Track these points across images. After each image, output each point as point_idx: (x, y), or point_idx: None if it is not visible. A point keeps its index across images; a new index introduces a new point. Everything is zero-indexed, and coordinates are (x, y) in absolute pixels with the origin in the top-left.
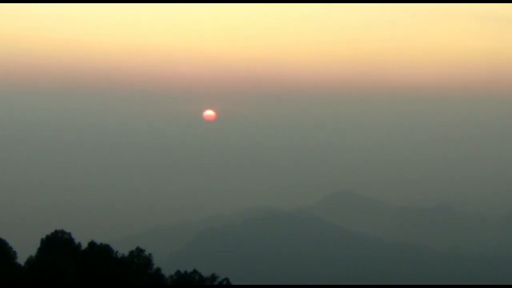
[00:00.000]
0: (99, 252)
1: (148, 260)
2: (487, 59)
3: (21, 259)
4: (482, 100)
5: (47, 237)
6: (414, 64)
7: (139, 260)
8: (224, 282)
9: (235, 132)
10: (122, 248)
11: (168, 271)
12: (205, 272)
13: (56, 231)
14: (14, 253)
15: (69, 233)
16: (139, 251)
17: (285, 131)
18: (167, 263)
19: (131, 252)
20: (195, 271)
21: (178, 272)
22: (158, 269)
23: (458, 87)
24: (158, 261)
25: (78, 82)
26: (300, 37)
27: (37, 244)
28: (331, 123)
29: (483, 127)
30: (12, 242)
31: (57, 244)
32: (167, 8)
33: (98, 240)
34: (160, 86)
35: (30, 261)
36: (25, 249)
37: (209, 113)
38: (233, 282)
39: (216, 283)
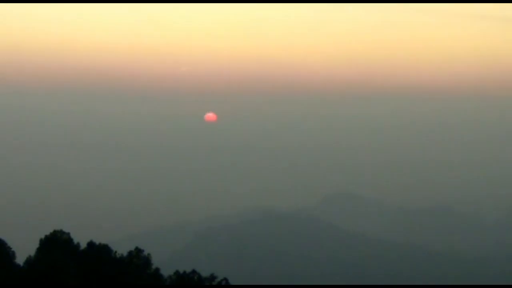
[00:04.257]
0: (98, 252)
1: (147, 260)
2: (487, 59)
3: (20, 259)
4: (482, 100)
5: (46, 237)
6: (413, 64)
7: (138, 260)
8: (223, 282)
9: (235, 133)
10: (121, 248)
11: (167, 271)
12: (204, 272)
13: (55, 231)
14: (13, 253)
15: (68, 233)
16: (138, 251)
17: (285, 132)
18: (166, 263)
19: (130, 252)
20: (194, 271)
21: (177, 272)
22: (157, 269)
23: (457, 87)
24: (157, 261)
25: (78, 83)
26: (302, 38)
27: (36, 244)
28: (331, 123)
29: (482, 127)
30: (11, 242)
31: (56, 244)
32: (170, 8)
33: (97, 240)
34: (161, 86)
35: (29, 261)
36: (24, 249)
37: (210, 114)
38: (232, 282)
39: (215, 283)
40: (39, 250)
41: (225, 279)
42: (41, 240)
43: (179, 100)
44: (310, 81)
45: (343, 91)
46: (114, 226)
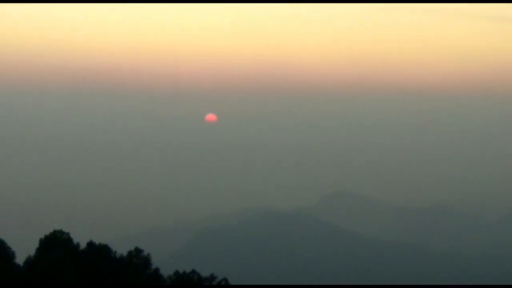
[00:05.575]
0: (98, 252)
1: (146, 260)
2: (487, 59)
3: (20, 259)
4: (482, 100)
5: (46, 237)
6: (413, 64)
7: (137, 260)
8: (223, 282)
9: (235, 133)
10: (121, 248)
11: (166, 271)
12: (204, 272)
13: (54, 231)
14: (13, 253)
15: (68, 233)
16: (138, 251)
17: (285, 132)
18: (166, 263)
19: (130, 252)
20: (193, 271)
21: (176, 272)
22: (157, 269)
23: (457, 87)
24: (156, 261)
25: (78, 82)
26: (302, 38)
27: (36, 244)
28: (330, 123)
29: (482, 126)
30: (10, 242)
31: (55, 244)
32: (170, 8)
33: (97, 240)
34: (161, 86)
35: (29, 261)
36: (24, 249)
37: (210, 115)
38: (232, 282)
39: (214, 283)
40: (39, 250)
41: (225, 279)
42: (41, 240)
43: (179, 100)
44: (310, 81)
45: (343, 90)
46: (114, 226)
